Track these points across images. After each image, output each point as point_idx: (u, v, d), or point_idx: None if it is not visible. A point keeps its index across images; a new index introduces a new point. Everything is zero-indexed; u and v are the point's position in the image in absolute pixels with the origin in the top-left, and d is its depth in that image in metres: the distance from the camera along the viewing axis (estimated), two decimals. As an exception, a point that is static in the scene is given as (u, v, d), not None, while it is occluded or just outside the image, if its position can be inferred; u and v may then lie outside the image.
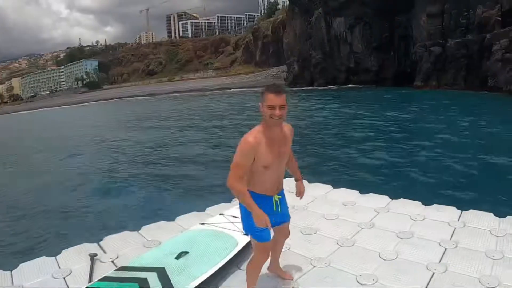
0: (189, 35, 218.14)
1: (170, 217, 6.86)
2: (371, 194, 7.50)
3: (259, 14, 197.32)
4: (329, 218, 6.47)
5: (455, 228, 5.86)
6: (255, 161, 3.70)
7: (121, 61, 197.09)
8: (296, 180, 4.61)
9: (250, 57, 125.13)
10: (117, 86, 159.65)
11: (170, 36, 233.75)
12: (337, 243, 5.59)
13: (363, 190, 7.73)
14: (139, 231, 6.29)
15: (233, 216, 5.82)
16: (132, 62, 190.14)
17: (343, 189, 7.97)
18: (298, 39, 76.63)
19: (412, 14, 59.39)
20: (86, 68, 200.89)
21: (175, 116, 44.80)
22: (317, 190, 7.82)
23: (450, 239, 5.55)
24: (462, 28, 51.66)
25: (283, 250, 4.82)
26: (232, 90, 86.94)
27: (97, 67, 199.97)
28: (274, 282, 4.64)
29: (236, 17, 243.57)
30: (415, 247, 5.34)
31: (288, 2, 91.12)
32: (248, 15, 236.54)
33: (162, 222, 6.64)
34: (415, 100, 40.88)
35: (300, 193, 4.55)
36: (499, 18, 45.04)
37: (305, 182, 8.41)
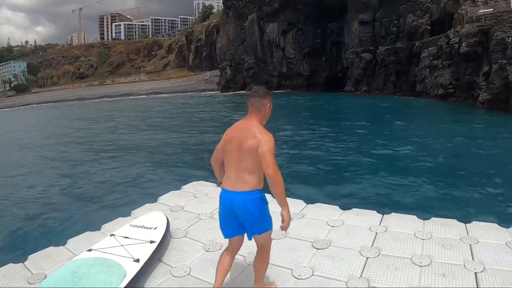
0: (122, 37, 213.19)
1: (71, 235, 5.99)
2: (319, 204, 6.77)
3: (193, 18, 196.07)
4: None
5: (376, 233, 5.35)
6: None
7: (51, 63, 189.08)
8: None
9: (183, 61, 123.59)
10: (47, 90, 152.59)
11: (102, 38, 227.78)
12: (244, 261, 4.87)
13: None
14: (25, 262, 5.26)
15: (125, 237, 5.16)
16: (63, 64, 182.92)
17: None
18: (231, 43, 76.17)
19: (344, 21, 60.70)
20: (14, 70, 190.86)
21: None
22: None
23: (372, 246, 5.03)
24: (392, 36, 53.44)
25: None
26: (164, 95, 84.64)
27: (26, 69, 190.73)
28: None
29: (171, 20, 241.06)
30: (333, 260, 4.74)
31: (222, 6, 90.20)
32: (183, 18, 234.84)
33: (50, 248, 5.61)
34: (342, 105, 40.87)
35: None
36: (428, 27, 46.96)
37: (212, 184, 7.63)
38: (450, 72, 38.07)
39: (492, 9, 34.91)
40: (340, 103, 44.19)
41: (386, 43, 53.52)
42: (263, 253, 4.09)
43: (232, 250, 4.24)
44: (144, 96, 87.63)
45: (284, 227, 3.80)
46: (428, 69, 42.27)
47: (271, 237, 4.15)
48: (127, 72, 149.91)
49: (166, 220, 5.61)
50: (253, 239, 4.07)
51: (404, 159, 16.41)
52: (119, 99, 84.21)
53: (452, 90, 37.81)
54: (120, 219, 6.32)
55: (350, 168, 14.86)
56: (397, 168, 14.94)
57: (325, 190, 11.97)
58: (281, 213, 3.78)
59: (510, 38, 30.80)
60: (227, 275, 4.21)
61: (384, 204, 10.02)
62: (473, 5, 37.76)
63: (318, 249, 4.99)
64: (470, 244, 4.95)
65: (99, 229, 6.06)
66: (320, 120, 31.42)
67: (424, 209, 9.58)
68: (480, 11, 35.96)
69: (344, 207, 6.42)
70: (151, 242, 5.04)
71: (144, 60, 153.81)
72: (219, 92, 75.89)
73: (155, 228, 5.37)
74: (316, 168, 15.07)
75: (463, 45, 35.00)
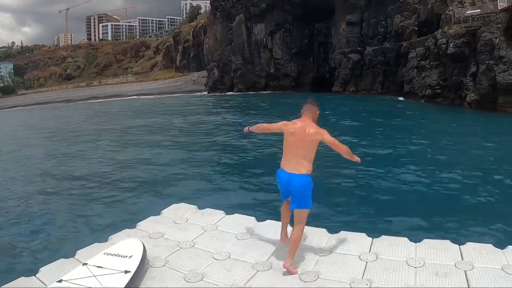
0: (109, 38, 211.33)
1: (45, 262, 5.59)
2: (269, 222, 6.48)
3: (181, 18, 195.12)
4: (218, 259, 5.34)
5: (366, 263, 5.00)
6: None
7: (38, 64, 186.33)
8: None
9: (170, 61, 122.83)
10: (34, 92, 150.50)
11: (89, 39, 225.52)
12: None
13: (261, 215, 6.96)
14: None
15: (98, 267, 4.79)
16: (49, 65, 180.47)
17: (236, 215, 6.91)
18: (219, 44, 75.94)
19: (332, 22, 61.14)
20: (0, 72, 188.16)
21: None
22: (210, 217, 6.78)
23: (362, 277, 4.68)
24: (380, 36, 54.18)
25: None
26: (150, 96, 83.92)
27: (12, 71, 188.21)
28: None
29: (158, 21, 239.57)
30: None
31: (210, 7, 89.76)
32: (170, 18, 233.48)
33: (21, 279, 5.14)
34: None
35: None
36: (416, 28, 47.29)
37: (193, 207, 7.27)
38: (438, 73, 38.11)
39: (479, 10, 34.97)
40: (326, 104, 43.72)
41: (373, 44, 54.04)
42: (298, 229, 5.09)
43: (286, 206, 5.47)
44: (131, 97, 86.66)
45: (358, 160, 5.51)
46: (415, 70, 42.34)
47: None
48: (115, 73, 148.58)
49: (142, 248, 5.24)
50: (294, 212, 5.17)
51: (390, 169, 15.95)
52: (105, 101, 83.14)
53: (439, 91, 37.82)
54: (96, 244, 5.94)
55: (333, 181, 14.22)
56: (382, 180, 14.43)
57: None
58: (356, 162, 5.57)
59: (497, 39, 30.97)
60: None
61: (372, 223, 9.66)
62: (461, 6, 37.78)
63: (306, 282, 4.66)
64: (465, 271, 4.66)
65: (73, 255, 5.65)
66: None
67: (415, 228, 9.22)
68: (467, 12, 36.02)
69: (331, 228, 6.12)
70: (126, 272, 4.70)
71: (131, 61, 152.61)
72: (207, 93, 75.54)
73: (130, 257, 5.01)
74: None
75: (451, 45, 35.11)
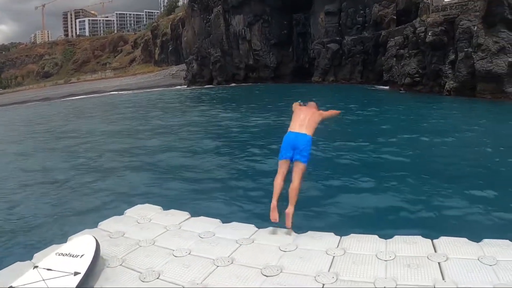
0: (87, 34, 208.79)
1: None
2: (234, 224, 6.31)
3: (158, 12, 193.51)
4: (178, 255, 5.07)
5: (333, 257, 4.79)
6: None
7: (15, 63, 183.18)
8: None
9: (149, 55, 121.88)
10: (12, 91, 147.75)
11: (66, 35, 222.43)
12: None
13: (227, 218, 6.67)
14: None
15: (47, 269, 4.43)
16: (27, 63, 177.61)
17: (202, 217, 6.64)
18: (197, 37, 75.33)
19: (310, 12, 61.07)
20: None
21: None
22: (174, 218, 6.52)
23: (329, 270, 4.46)
24: (358, 26, 54.21)
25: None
26: (129, 92, 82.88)
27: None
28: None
29: (136, 15, 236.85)
30: None
31: (188, 0, 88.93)
32: (148, 12, 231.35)
33: None
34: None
35: None
36: (394, 17, 47.13)
37: (157, 208, 7.01)
38: (417, 61, 38.15)
39: (457, -2, 34.94)
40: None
41: (352, 33, 54.13)
42: (298, 178, 5.98)
43: (282, 173, 6.16)
44: (109, 93, 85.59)
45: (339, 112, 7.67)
46: (394, 58, 42.22)
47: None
48: (93, 69, 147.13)
49: (95, 245, 4.85)
50: (294, 164, 6.07)
51: (361, 158, 15.61)
52: (83, 98, 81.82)
53: (418, 79, 37.89)
54: (54, 246, 5.53)
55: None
56: (350, 171, 14.03)
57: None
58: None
59: (475, 27, 31.03)
60: None
61: (341, 222, 9.30)
62: (439, -6, 37.74)
63: (267, 276, 4.39)
64: (439, 262, 4.41)
65: (31, 258, 5.29)
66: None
67: (385, 225, 8.87)
68: (445, 0, 36.09)
69: (299, 229, 5.86)
70: (76, 273, 4.33)
71: (109, 56, 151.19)
72: (186, 86, 74.94)
73: (81, 256, 4.63)
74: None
75: (429, 34, 35.21)
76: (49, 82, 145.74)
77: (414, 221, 9.46)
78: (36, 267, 4.53)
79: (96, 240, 4.95)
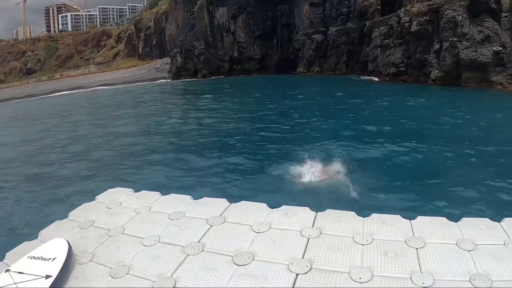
0: (69, 29, 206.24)
1: None
2: (205, 200, 5.97)
3: (142, 5, 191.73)
4: (147, 244, 4.87)
5: (308, 239, 4.54)
6: None
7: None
8: None
9: (133, 50, 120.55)
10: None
11: (49, 31, 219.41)
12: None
13: (197, 194, 6.29)
14: None
15: (19, 273, 4.40)
16: (9, 60, 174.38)
17: (172, 195, 6.35)
18: (181, 30, 74.65)
19: (294, 3, 60.77)
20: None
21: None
22: (144, 200, 6.23)
23: (303, 257, 4.23)
24: (343, 16, 53.96)
25: None
26: (112, 86, 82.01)
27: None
28: None
29: (119, 9, 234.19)
30: (255, 280, 3.92)
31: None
32: (131, 6, 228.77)
33: None
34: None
35: None
36: (379, 7, 47.14)
37: (128, 190, 6.75)
38: (402, 51, 38.37)
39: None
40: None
41: (337, 24, 54.01)
42: None
43: None
44: (93, 88, 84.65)
45: None
46: (379, 49, 42.41)
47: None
48: (76, 64, 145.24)
49: (67, 247, 4.77)
50: None
51: (342, 139, 15.63)
52: (66, 94, 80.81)
53: (404, 68, 38.06)
54: (25, 243, 5.35)
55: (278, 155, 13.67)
56: (333, 151, 13.99)
57: (252, 183, 10.80)
58: None
59: (460, 16, 31.29)
60: None
61: (319, 198, 9.03)
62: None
63: (239, 265, 4.17)
64: (416, 249, 4.24)
65: (3, 258, 5.09)
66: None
67: (364, 201, 8.66)
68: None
69: (272, 203, 5.54)
70: (47, 277, 4.27)
71: (93, 51, 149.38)
72: (171, 80, 74.25)
73: (53, 259, 4.55)
74: (248, 159, 13.83)
75: (414, 24, 35.36)
76: (32, 79, 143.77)
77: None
78: (8, 270, 4.49)
79: (69, 243, 4.86)
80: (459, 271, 3.85)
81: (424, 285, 3.68)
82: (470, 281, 3.68)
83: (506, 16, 28.66)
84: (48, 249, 4.78)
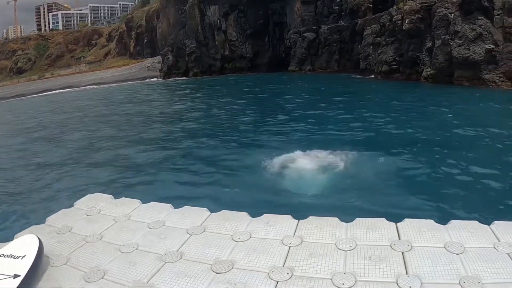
0: (60, 28, 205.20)
1: None
2: (185, 208, 5.88)
3: (133, 4, 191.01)
4: (125, 251, 4.78)
5: (289, 248, 4.46)
6: None
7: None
8: None
9: (124, 48, 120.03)
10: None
11: (39, 30, 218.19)
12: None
13: (178, 203, 6.14)
14: None
15: None
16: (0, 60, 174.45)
17: (153, 204, 6.23)
18: (172, 28, 74.28)
19: (286, 2, 60.69)
20: None
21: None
22: (124, 207, 6.13)
23: (284, 265, 4.13)
24: (335, 14, 53.83)
25: None
26: (103, 86, 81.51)
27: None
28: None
29: (110, 7, 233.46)
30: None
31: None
32: (122, 4, 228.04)
33: None
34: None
35: None
36: (370, 5, 47.10)
37: (108, 197, 6.62)
38: (394, 49, 38.39)
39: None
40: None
41: (328, 22, 53.89)
42: None
43: None
44: (84, 88, 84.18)
45: None
46: (371, 47, 42.38)
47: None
48: (67, 63, 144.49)
49: (37, 245, 4.58)
50: None
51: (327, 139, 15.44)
52: (57, 93, 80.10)
53: (396, 67, 38.11)
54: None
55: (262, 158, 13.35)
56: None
57: (234, 192, 10.52)
58: None
59: (452, 14, 31.34)
60: None
61: (301, 204, 8.76)
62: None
63: (218, 273, 4.10)
64: (402, 253, 4.14)
65: None
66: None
67: (347, 207, 8.40)
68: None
69: (254, 212, 5.44)
70: (15, 276, 4.09)
71: (84, 50, 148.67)
72: (162, 79, 73.85)
73: (23, 257, 4.37)
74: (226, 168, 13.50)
75: (406, 21, 35.39)
76: (22, 78, 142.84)
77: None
78: None
79: (39, 240, 4.70)
80: (448, 274, 3.77)
81: (411, 288, 3.56)
82: (459, 284, 3.60)
83: (498, 14, 28.67)
84: (18, 246, 4.58)
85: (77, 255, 4.81)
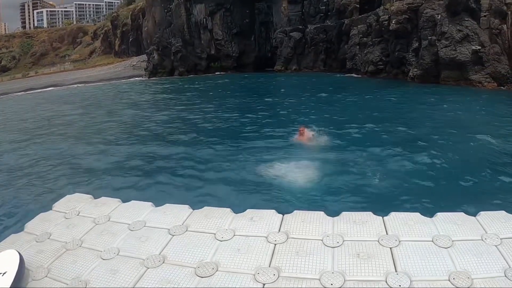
0: (45, 25, 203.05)
1: None
2: (167, 206, 5.69)
3: (118, 2, 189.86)
4: (106, 258, 4.62)
5: (275, 245, 4.29)
6: None
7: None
8: None
9: (109, 47, 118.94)
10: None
11: (24, 27, 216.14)
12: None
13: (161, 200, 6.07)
14: None
15: None
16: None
17: (133, 202, 6.07)
18: (158, 27, 73.61)
19: (272, 1, 60.66)
20: None
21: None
22: (103, 208, 5.94)
23: (270, 265, 3.97)
24: (321, 14, 54.01)
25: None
26: (87, 85, 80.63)
27: None
28: None
29: (95, 5, 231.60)
30: None
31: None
32: (108, 2, 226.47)
33: None
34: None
35: None
36: (357, 5, 47.25)
37: (87, 197, 6.48)
38: (380, 49, 38.70)
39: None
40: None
41: (315, 22, 53.98)
42: None
43: None
44: (67, 86, 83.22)
45: None
46: (358, 47, 42.57)
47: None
48: (52, 61, 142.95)
49: (18, 261, 4.45)
50: None
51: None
52: (41, 92, 79.16)
53: (382, 67, 38.48)
54: None
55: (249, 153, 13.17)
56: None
57: (216, 187, 10.27)
58: None
59: (439, 15, 31.71)
60: None
61: (284, 199, 8.53)
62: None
63: (202, 277, 3.96)
64: (391, 248, 4.04)
65: None
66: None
67: (333, 200, 8.19)
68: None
69: (237, 208, 5.31)
70: None
71: (69, 48, 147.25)
72: (147, 78, 73.19)
73: (4, 274, 4.25)
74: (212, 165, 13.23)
75: (393, 22, 35.61)
76: (6, 77, 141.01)
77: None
78: None
79: (20, 255, 4.56)
80: (437, 270, 3.72)
81: (401, 287, 3.52)
82: (449, 280, 3.54)
83: (485, 16, 28.87)
84: None
85: (58, 265, 4.66)
